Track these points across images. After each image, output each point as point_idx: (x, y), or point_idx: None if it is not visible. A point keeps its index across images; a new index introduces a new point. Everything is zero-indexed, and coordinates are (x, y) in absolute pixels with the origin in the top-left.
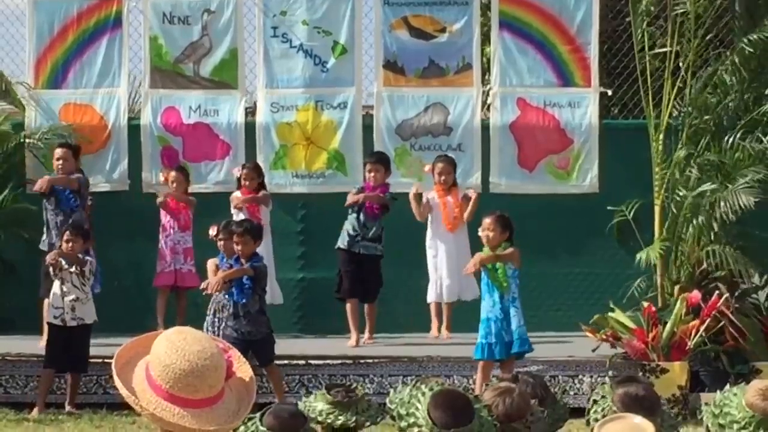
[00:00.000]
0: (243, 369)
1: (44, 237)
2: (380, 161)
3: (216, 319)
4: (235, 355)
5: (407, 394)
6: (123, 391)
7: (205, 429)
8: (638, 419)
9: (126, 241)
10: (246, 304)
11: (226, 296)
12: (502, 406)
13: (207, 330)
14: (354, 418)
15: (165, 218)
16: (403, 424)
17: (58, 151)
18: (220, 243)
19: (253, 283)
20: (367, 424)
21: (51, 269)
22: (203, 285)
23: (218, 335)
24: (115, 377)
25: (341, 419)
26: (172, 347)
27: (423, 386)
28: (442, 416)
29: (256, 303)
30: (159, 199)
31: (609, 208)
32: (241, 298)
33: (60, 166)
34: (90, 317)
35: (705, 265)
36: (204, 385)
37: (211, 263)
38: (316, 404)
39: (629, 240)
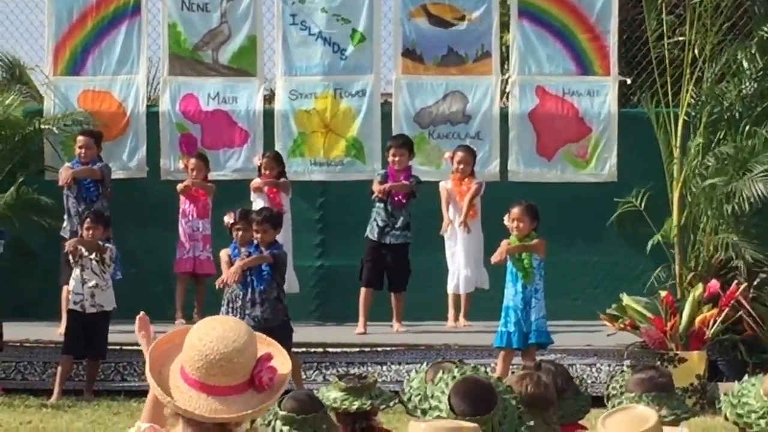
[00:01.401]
0: (283, 363)
1: (65, 224)
2: (405, 145)
3: (230, 310)
4: (276, 350)
5: (438, 377)
6: (152, 384)
7: (225, 416)
8: (640, 408)
9: (144, 228)
10: (264, 290)
11: (240, 285)
12: (529, 387)
13: None
14: (369, 402)
15: (184, 204)
16: (425, 405)
17: (81, 139)
18: (237, 232)
19: (272, 270)
20: (382, 407)
21: (70, 257)
22: (218, 282)
23: None
24: (148, 372)
25: (356, 404)
26: (196, 335)
27: (456, 370)
28: (461, 404)
29: (274, 290)
30: (180, 186)
31: (615, 199)
32: (260, 284)
33: (82, 154)
34: (109, 304)
35: (719, 254)
36: (207, 373)
37: (223, 254)
38: (330, 393)
39: (645, 230)
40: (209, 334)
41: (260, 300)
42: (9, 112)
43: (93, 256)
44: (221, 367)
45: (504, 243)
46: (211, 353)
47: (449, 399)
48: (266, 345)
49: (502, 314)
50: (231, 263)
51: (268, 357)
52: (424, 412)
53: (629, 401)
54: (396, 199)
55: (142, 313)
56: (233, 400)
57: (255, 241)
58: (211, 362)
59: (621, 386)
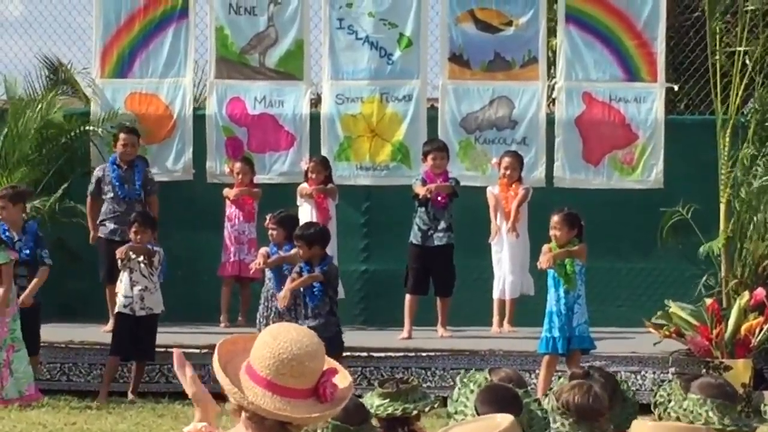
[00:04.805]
0: (344, 380)
1: (106, 224)
2: (444, 148)
3: (265, 308)
4: (339, 368)
5: (456, 391)
6: (220, 376)
7: (290, 415)
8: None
9: (190, 230)
10: (316, 306)
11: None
12: (577, 397)
13: (260, 319)
14: (401, 408)
15: (230, 209)
16: (451, 408)
17: (125, 137)
18: (271, 233)
19: (323, 286)
20: (414, 412)
21: (119, 262)
22: (280, 301)
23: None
24: (216, 365)
25: (389, 410)
26: (270, 334)
27: (471, 383)
28: (489, 411)
29: (327, 305)
30: (228, 194)
31: (664, 208)
32: (312, 301)
33: (128, 152)
34: (158, 307)
35: (765, 263)
36: (277, 371)
37: (263, 249)
38: (372, 400)
39: (692, 237)
40: (283, 334)
41: (313, 315)
42: (51, 113)
43: (141, 258)
44: (292, 367)
45: (545, 248)
46: (285, 353)
47: (475, 407)
48: (328, 363)
49: (546, 320)
50: (268, 257)
51: (334, 371)
52: (449, 415)
53: (693, 404)
54: (438, 200)
55: (178, 350)
56: (296, 404)
57: (302, 259)
58: (284, 361)
59: (668, 394)
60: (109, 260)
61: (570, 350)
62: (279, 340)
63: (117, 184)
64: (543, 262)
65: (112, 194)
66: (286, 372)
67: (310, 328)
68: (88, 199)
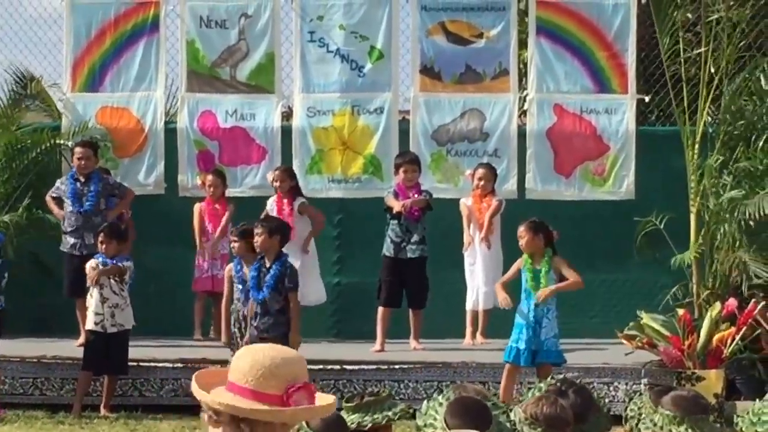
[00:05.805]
0: (324, 399)
1: (66, 238)
2: (415, 161)
3: (235, 330)
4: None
5: (425, 404)
6: (194, 386)
7: (271, 410)
8: None
9: (162, 244)
10: (265, 301)
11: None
12: (545, 408)
13: (234, 342)
14: (357, 421)
15: (203, 224)
16: (420, 422)
17: (80, 151)
18: (233, 245)
19: (274, 282)
20: (369, 425)
21: (89, 280)
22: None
23: (240, 346)
24: (193, 383)
25: (353, 423)
26: (246, 348)
27: (439, 396)
28: (460, 424)
29: (276, 303)
30: (197, 221)
31: (636, 218)
32: (258, 294)
33: (82, 166)
34: (129, 322)
35: (735, 273)
36: (274, 372)
37: (227, 270)
38: (343, 415)
39: (664, 248)
40: (260, 346)
41: (262, 311)
42: (15, 127)
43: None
44: (270, 369)
45: (514, 268)
46: (263, 359)
47: (445, 419)
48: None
49: (514, 330)
50: (231, 280)
51: (313, 387)
52: (418, 429)
53: (669, 421)
54: (412, 213)
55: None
56: (273, 406)
57: (260, 249)
58: (262, 365)
59: (639, 408)
60: (70, 275)
61: (538, 363)
62: (255, 349)
63: (71, 198)
64: (541, 296)
65: (70, 209)
66: (267, 374)
67: (260, 329)
68: (47, 198)
